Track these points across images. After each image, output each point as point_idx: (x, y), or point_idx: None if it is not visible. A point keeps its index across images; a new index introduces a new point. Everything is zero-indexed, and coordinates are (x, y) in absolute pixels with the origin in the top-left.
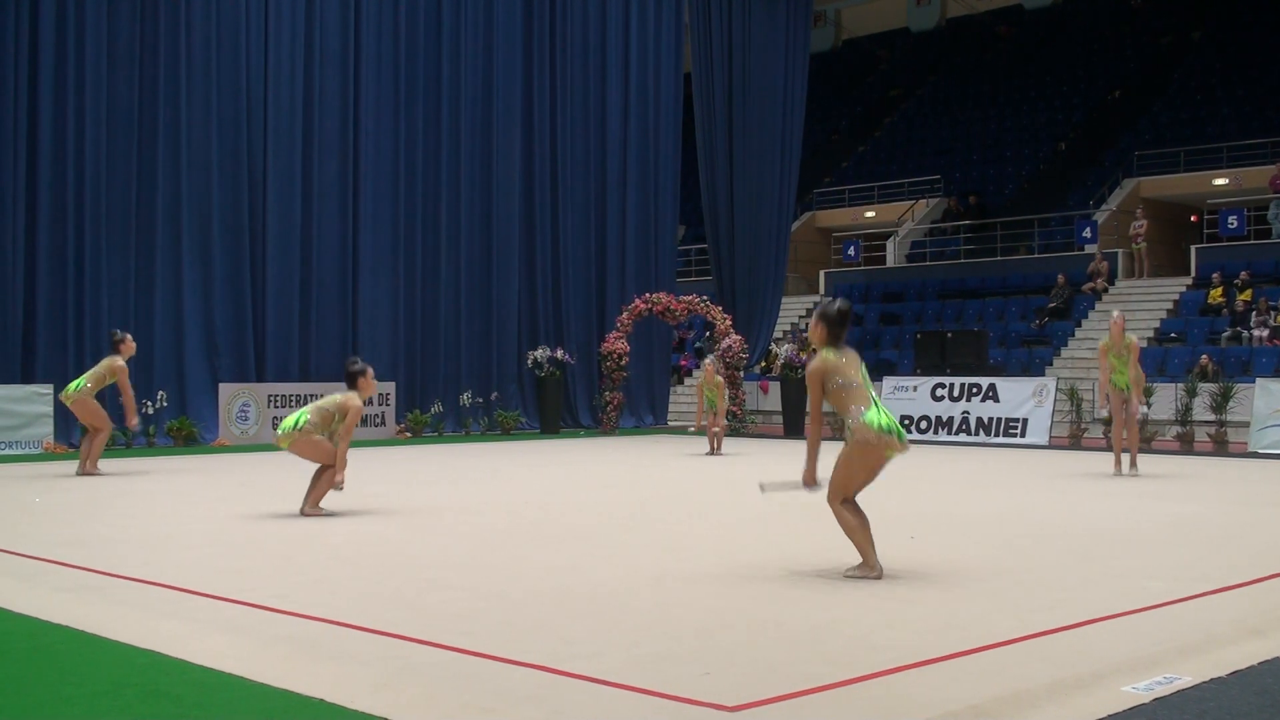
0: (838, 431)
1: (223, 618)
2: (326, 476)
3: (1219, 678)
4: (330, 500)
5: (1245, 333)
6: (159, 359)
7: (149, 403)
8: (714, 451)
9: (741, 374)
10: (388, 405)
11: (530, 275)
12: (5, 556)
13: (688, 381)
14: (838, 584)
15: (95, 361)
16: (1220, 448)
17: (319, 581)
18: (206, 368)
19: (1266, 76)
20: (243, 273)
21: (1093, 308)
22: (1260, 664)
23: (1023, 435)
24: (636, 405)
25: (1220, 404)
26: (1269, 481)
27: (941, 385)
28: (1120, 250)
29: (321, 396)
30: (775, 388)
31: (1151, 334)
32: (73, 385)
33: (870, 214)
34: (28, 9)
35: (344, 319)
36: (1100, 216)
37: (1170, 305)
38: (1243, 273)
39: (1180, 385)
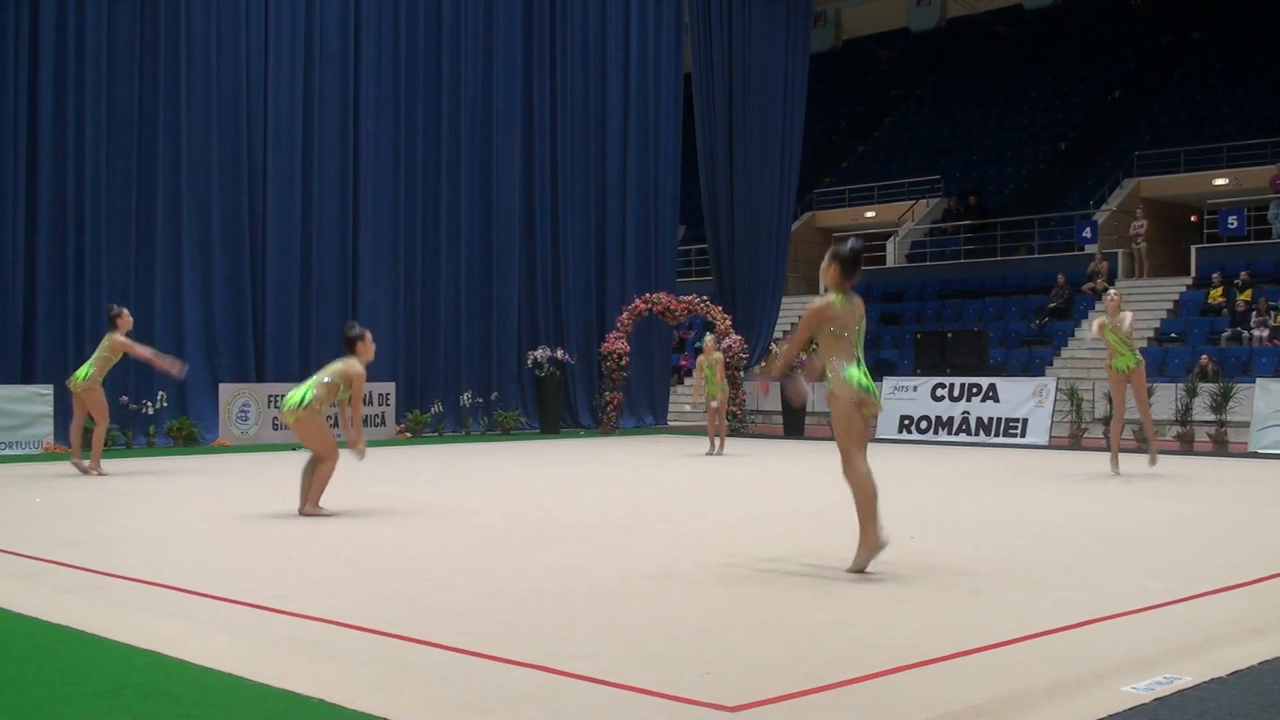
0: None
1: (222, 618)
2: (322, 472)
3: (1219, 678)
4: (330, 500)
5: (1245, 333)
6: None
7: (148, 402)
8: (714, 452)
9: (742, 374)
10: (388, 405)
11: (530, 275)
12: (5, 556)
13: (688, 381)
14: (838, 584)
15: None
16: (1220, 448)
17: (319, 581)
18: (206, 368)
19: (1266, 76)
20: (243, 273)
21: (1093, 308)
22: (1260, 664)
23: (1023, 435)
24: (636, 405)
25: (1220, 404)
26: (1269, 481)
27: (941, 385)
28: (1120, 250)
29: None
30: (775, 388)
31: (1152, 334)
32: (81, 373)
33: (870, 214)
34: (28, 9)
35: (344, 319)
36: (1100, 216)
37: (1170, 305)
38: (1243, 273)
39: (1180, 385)
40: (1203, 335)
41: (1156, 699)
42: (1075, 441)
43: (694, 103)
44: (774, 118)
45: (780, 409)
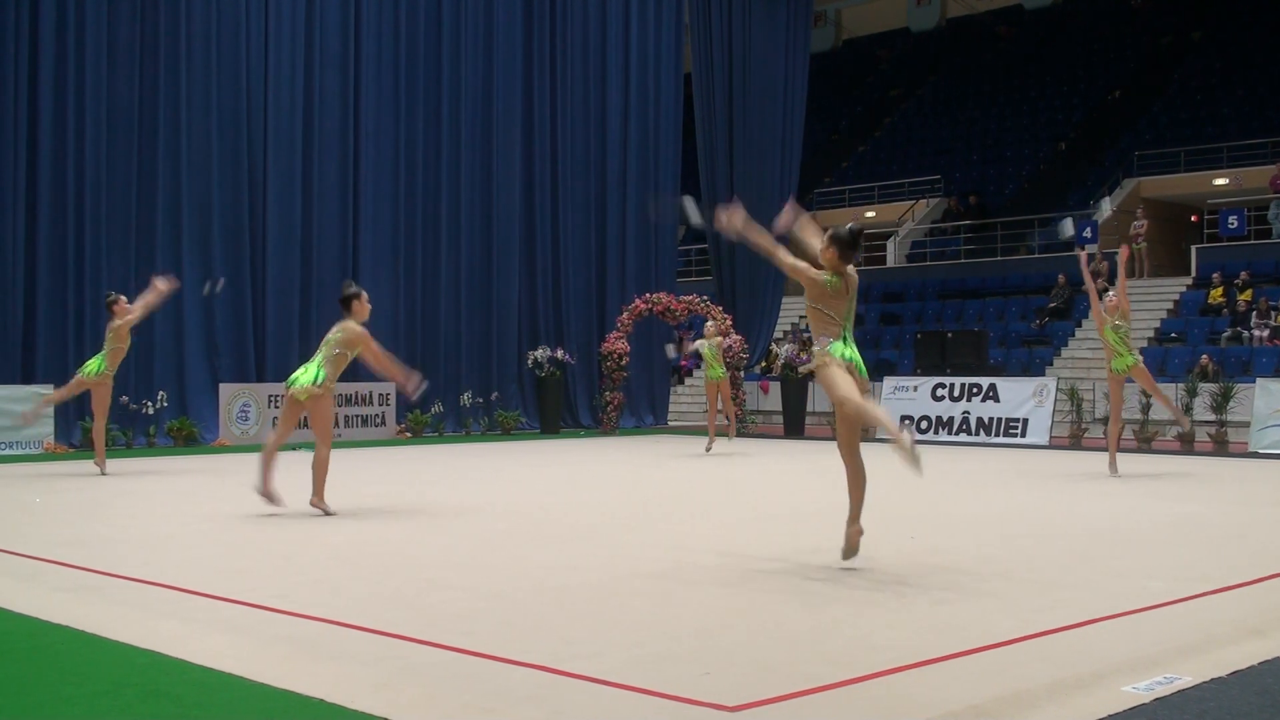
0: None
1: (222, 618)
2: (320, 460)
3: (1219, 678)
4: (330, 500)
5: (1245, 333)
6: (159, 359)
7: (149, 402)
8: (728, 435)
9: (742, 374)
10: (388, 405)
11: (530, 275)
12: (5, 556)
13: (688, 381)
14: (838, 584)
15: None
16: (1220, 448)
17: (319, 581)
18: (206, 368)
19: (1266, 76)
20: (243, 273)
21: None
22: (1260, 664)
23: (1023, 435)
24: (637, 405)
25: (1220, 404)
26: (1269, 481)
27: (942, 385)
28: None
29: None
30: (775, 387)
31: (1152, 334)
32: (94, 367)
33: (870, 214)
34: (28, 9)
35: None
36: (1100, 216)
37: (1170, 305)
38: (1243, 273)
39: (1180, 385)
40: (1203, 335)
41: (1156, 699)
42: (1075, 441)
43: (694, 103)
44: (774, 118)
45: (780, 409)
